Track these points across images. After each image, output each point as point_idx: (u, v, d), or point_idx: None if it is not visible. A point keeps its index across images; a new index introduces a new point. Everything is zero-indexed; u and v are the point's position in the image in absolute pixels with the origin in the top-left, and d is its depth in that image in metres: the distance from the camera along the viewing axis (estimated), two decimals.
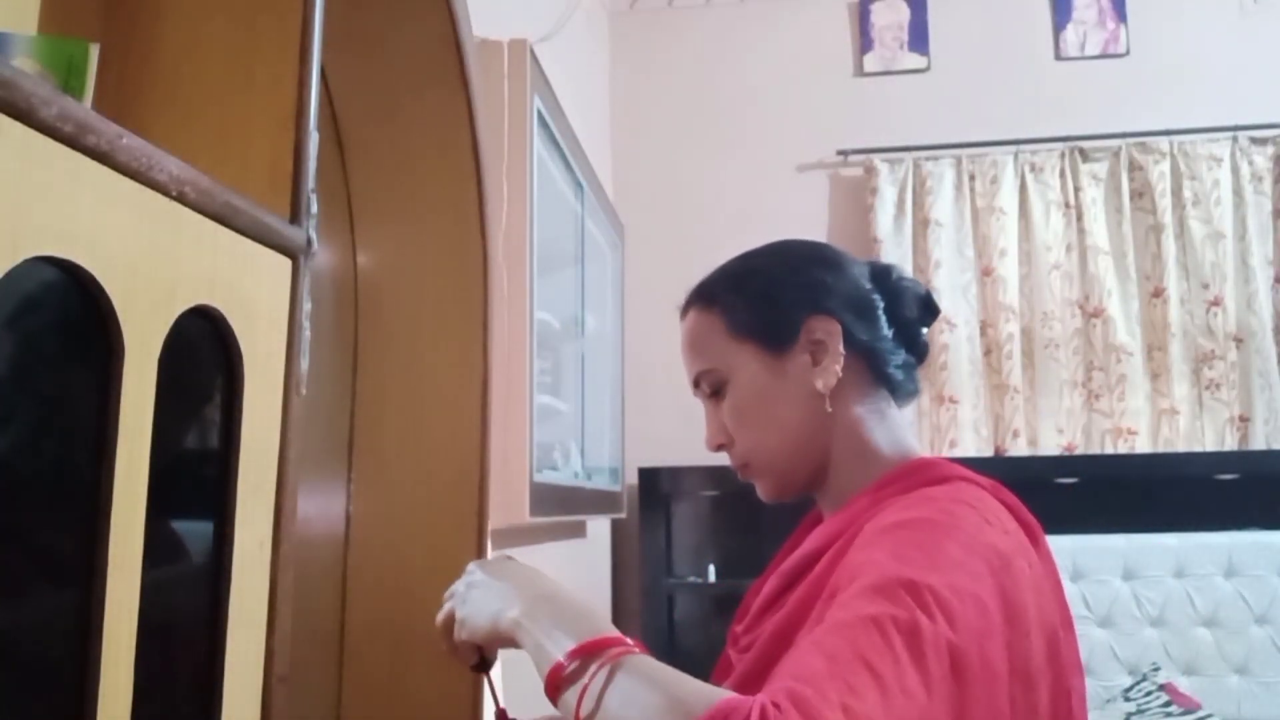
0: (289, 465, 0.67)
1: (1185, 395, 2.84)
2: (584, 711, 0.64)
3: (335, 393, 1.15)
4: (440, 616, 0.81)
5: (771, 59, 3.20)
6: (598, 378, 2.47)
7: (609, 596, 2.94)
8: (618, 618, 2.92)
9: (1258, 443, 2.78)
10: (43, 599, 0.48)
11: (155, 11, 0.73)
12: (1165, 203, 2.90)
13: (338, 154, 1.16)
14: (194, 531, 0.60)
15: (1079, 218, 2.94)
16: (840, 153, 3.08)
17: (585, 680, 0.65)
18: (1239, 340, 2.85)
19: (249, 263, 0.63)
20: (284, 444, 0.67)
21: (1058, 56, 3.09)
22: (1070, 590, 2.41)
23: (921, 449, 0.91)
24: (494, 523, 1.27)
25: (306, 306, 0.70)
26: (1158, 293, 2.88)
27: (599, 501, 2.41)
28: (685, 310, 0.94)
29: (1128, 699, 2.30)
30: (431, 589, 1.09)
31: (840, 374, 0.86)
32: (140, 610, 0.52)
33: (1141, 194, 2.94)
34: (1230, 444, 2.81)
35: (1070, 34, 3.08)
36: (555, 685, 0.66)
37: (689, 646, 2.81)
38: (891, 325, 0.90)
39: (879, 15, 3.17)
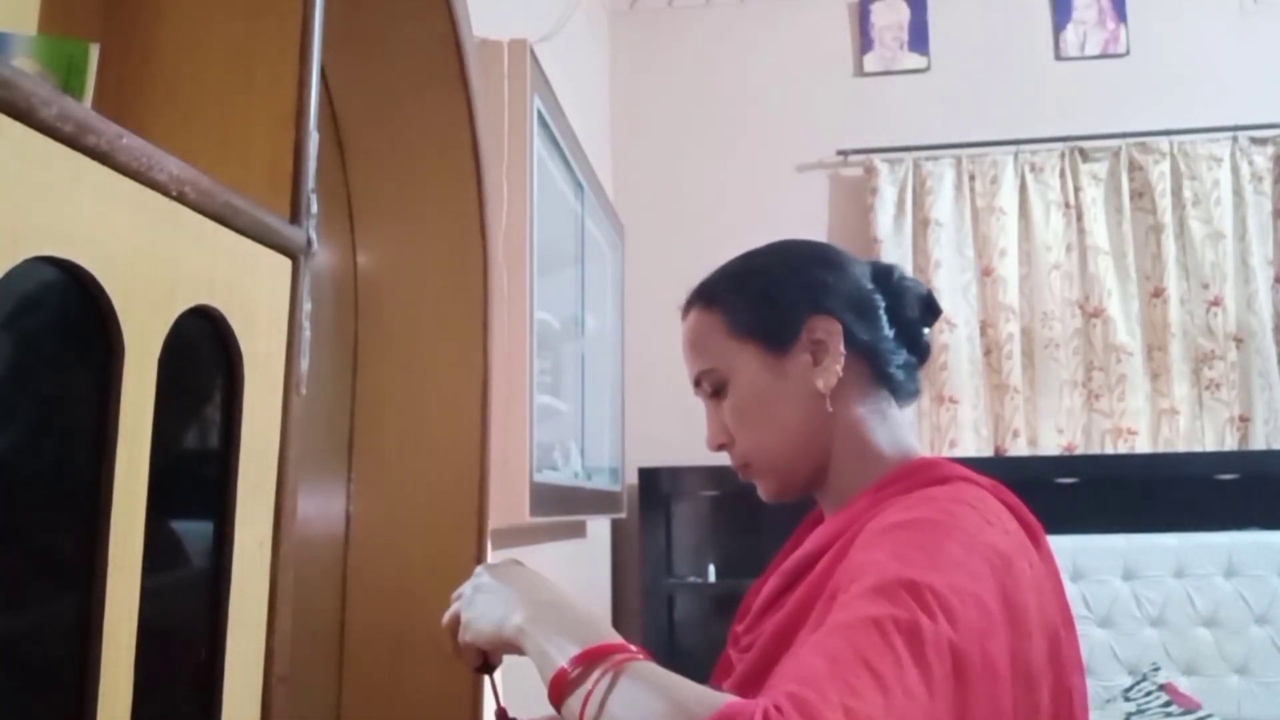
0: (289, 465, 0.67)
1: (1185, 395, 2.84)
2: (588, 717, 0.64)
3: (335, 393, 1.15)
4: (446, 618, 0.81)
5: (771, 59, 3.20)
6: (598, 378, 2.47)
7: (609, 596, 2.94)
8: (618, 618, 2.92)
9: (1258, 443, 2.78)
10: (43, 599, 0.48)
11: (155, 11, 0.73)
12: (1165, 203, 2.90)
13: (338, 154, 1.16)
14: (194, 532, 0.60)
15: (1079, 218, 2.94)
16: (840, 153, 3.08)
17: (589, 686, 0.65)
18: (1239, 340, 2.85)
19: (249, 263, 0.63)
20: (284, 444, 0.67)
21: (1058, 56, 3.09)
22: (1070, 590, 2.41)
23: (922, 449, 0.91)
24: (494, 523, 1.27)
25: (306, 306, 0.70)
26: (1158, 293, 2.88)
27: (599, 501, 2.41)
28: (686, 310, 0.94)
29: (1128, 699, 2.30)
30: (432, 589, 1.09)
31: (841, 374, 0.86)
32: (140, 610, 0.52)
33: (1141, 194, 2.94)
34: (1230, 444, 2.81)
35: (1070, 34, 3.08)
36: (559, 691, 0.67)
37: (689, 646, 2.81)
38: (893, 325, 0.90)
39: (879, 15, 3.17)
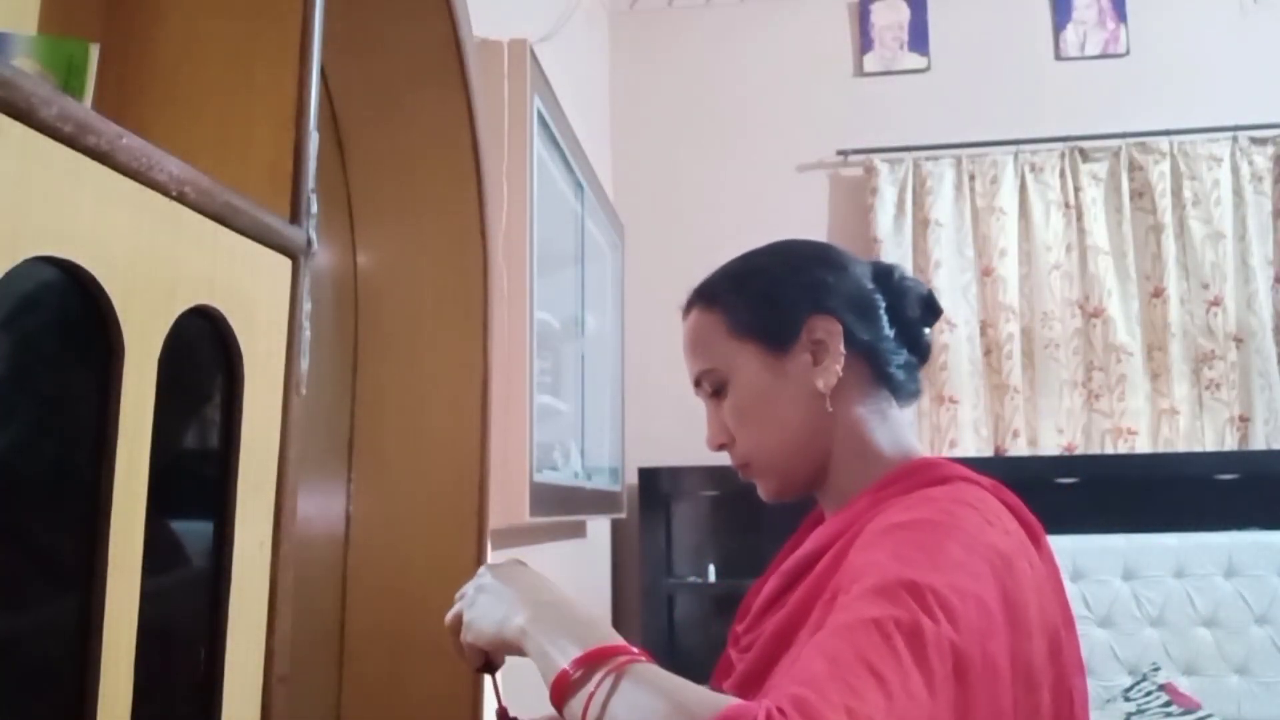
0: (289, 465, 0.67)
1: (1185, 395, 2.84)
2: (590, 719, 0.64)
3: (335, 393, 1.15)
4: (449, 617, 0.82)
5: (771, 59, 3.20)
6: (598, 378, 2.47)
7: (609, 596, 2.94)
8: (618, 618, 2.92)
9: (1258, 443, 2.78)
10: (43, 599, 0.48)
11: (155, 11, 0.73)
12: (1165, 203, 2.90)
13: (338, 154, 1.16)
14: (194, 532, 0.60)
15: (1079, 218, 2.94)
16: (840, 153, 3.08)
17: (591, 688, 0.65)
18: (1239, 340, 2.85)
19: (249, 263, 0.63)
20: (284, 444, 0.67)
21: (1058, 56, 3.09)
22: (1070, 590, 2.40)
23: (922, 449, 0.90)
24: (494, 523, 1.27)
25: (306, 306, 0.70)
26: (1158, 293, 2.88)
27: (599, 501, 2.41)
28: (687, 310, 0.94)
29: (1128, 699, 2.30)
30: (432, 589, 1.09)
31: (841, 374, 0.86)
32: (140, 611, 0.52)
33: (1141, 194, 2.94)
34: (1230, 444, 2.81)
35: (1070, 34, 3.08)
36: (561, 693, 0.67)
37: (689, 646, 2.81)
38: (893, 325, 0.90)
39: (879, 15, 3.17)
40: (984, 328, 2.94)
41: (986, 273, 2.95)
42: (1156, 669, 2.37)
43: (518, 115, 1.68)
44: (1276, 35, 2.98)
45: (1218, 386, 2.83)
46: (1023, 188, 2.98)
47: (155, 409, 0.53)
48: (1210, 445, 2.82)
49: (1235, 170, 2.90)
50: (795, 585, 0.82)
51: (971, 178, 2.99)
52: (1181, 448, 2.80)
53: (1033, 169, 2.98)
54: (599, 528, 2.78)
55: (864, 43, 3.17)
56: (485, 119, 1.19)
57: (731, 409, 0.89)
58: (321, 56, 0.71)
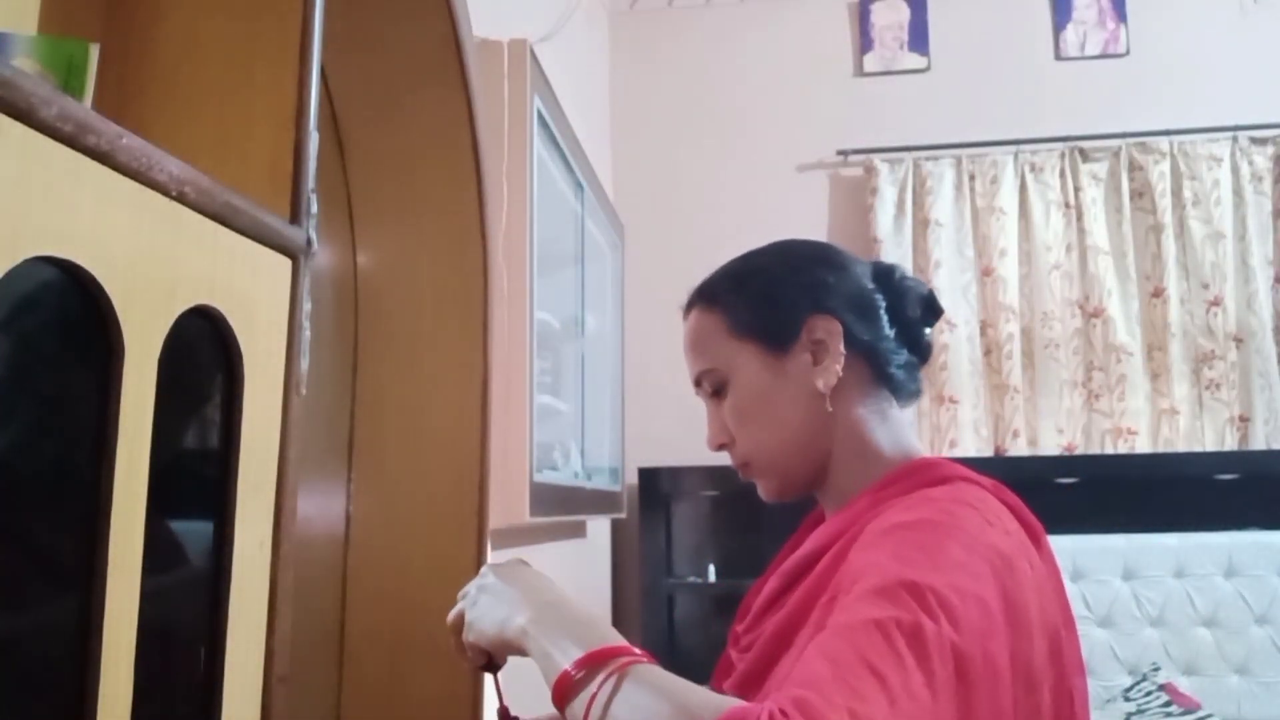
0: (289, 465, 0.67)
1: (1185, 395, 2.84)
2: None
3: (335, 393, 1.15)
4: (451, 616, 0.82)
5: (771, 59, 3.20)
6: (598, 378, 2.47)
7: (609, 596, 2.94)
8: (618, 618, 2.92)
9: (1258, 443, 2.78)
10: (43, 600, 0.48)
11: (155, 11, 0.73)
12: (1165, 203, 2.90)
13: (338, 154, 1.16)
14: (194, 532, 0.60)
15: (1079, 218, 2.94)
16: (840, 153, 3.08)
17: (593, 689, 0.65)
18: (1239, 340, 2.85)
19: (249, 263, 0.63)
20: (284, 444, 0.67)
21: (1058, 56, 3.09)
22: (1070, 590, 2.39)
23: (922, 449, 0.90)
24: (494, 523, 1.27)
25: (306, 306, 0.70)
26: (1158, 293, 2.88)
27: (599, 501, 2.41)
28: (687, 310, 0.94)
29: (1128, 699, 2.30)
30: (432, 589, 1.09)
31: (841, 374, 0.86)
32: (140, 611, 0.52)
33: (1141, 194, 2.94)
34: (1230, 444, 2.81)
35: (1070, 34, 3.08)
36: (563, 694, 0.67)
37: (689, 646, 2.81)
38: (894, 325, 0.90)
39: (879, 15, 3.17)
40: (984, 328, 2.94)
41: (986, 273, 2.95)
42: (1156, 669, 2.37)
43: (518, 115, 1.68)
44: (1276, 35, 2.98)
45: (1218, 386, 2.83)
46: (1023, 188, 2.98)
47: (155, 409, 0.53)
48: (1210, 445, 2.82)
49: (1235, 170, 2.90)
50: (795, 585, 0.82)
51: (971, 178, 2.99)
52: (1181, 448, 2.80)
53: (1033, 169, 2.98)
54: (599, 528, 2.78)
55: (864, 43, 3.17)
56: (485, 119, 1.19)
57: (732, 409, 0.89)
58: (321, 56, 0.71)
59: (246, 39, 0.70)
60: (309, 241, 0.69)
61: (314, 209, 0.70)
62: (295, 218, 0.68)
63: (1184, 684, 2.36)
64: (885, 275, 0.92)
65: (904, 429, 0.90)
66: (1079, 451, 2.86)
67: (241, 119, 0.69)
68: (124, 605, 0.51)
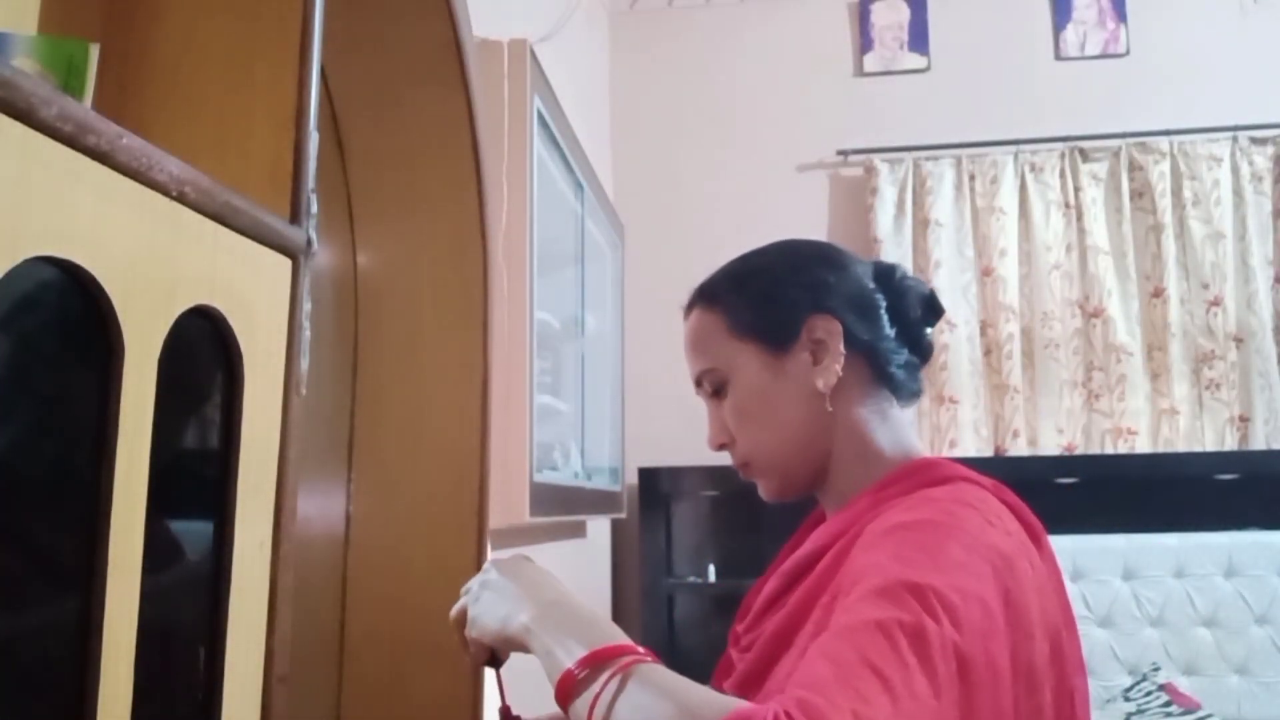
0: (289, 465, 0.67)
1: (1185, 395, 2.84)
2: (595, 719, 0.64)
3: (335, 393, 1.15)
4: (454, 611, 0.82)
5: (771, 59, 3.20)
6: (598, 378, 2.47)
7: (609, 596, 2.94)
8: (618, 618, 2.92)
9: (1258, 443, 2.78)
10: (43, 600, 0.48)
11: (155, 11, 0.73)
12: (1165, 203, 2.90)
13: (338, 154, 1.16)
14: (194, 532, 0.60)
15: (1079, 218, 2.94)
16: (840, 153, 3.08)
17: (597, 689, 0.65)
18: (1239, 340, 2.85)
19: (249, 263, 0.63)
20: (284, 444, 0.67)
21: (1058, 56, 3.09)
22: (1070, 590, 2.39)
23: (923, 449, 0.90)
24: (494, 523, 1.27)
25: (306, 306, 0.70)
26: (1158, 293, 2.88)
27: (599, 501, 2.41)
28: (688, 310, 0.94)
29: (1128, 699, 2.30)
30: (432, 590, 1.09)
31: (840, 373, 0.86)
32: (140, 611, 0.52)
33: (1141, 194, 2.94)
34: (1230, 444, 2.81)
35: (1070, 34, 3.08)
36: (566, 693, 0.67)
37: (689, 646, 2.81)
38: (894, 325, 0.90)
39: (879, 15, 3.17)
40: (984, 328, 2.94)
41: (986, 273, 2.95)
42: (1156, 669, 2.37)
43: (518, 115, 1.68)
44: (1276, 35, 2.98)
45: (1218, 386, 2.83)
46: (1023, 188, 2.98)
47: (155, 409, 0.53)
48: (1210, 445, 2.82)
49: (1235, 170, 2.90)
50: (796, 585, 0.82)
51: (971, 178, 2.99)
52: (1181, 448, 2.80)
53: (1033, 169, 2.98)
54: (599, 528, 2.78)
55: (864, 43, 3.17)
56: (485, 119, 1.19)
57: (732, 409, 0.89)
58: (321, 56, 0.71)
59: (246, 39, 0.70)
60: (309, 241, 0.69)
61: (314, 209, 0.70)
62: (295, 218, 0.68)
63: (1184, 684, 2.36)
64: (886, 275, 0.92)
65: (904, 429, 0.90)
66: (1079, 451, 2.86)
67: (241, 119, 0.69)
68: (124, 605, 0.51)
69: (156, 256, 0.53)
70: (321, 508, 1.12)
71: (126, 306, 0.50)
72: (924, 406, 2.89)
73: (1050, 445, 2.86)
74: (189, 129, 0.70)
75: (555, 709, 0.69)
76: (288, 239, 0.67)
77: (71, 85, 0.63)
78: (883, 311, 0.90)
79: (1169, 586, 2.47)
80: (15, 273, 0.43)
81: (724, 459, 0.93)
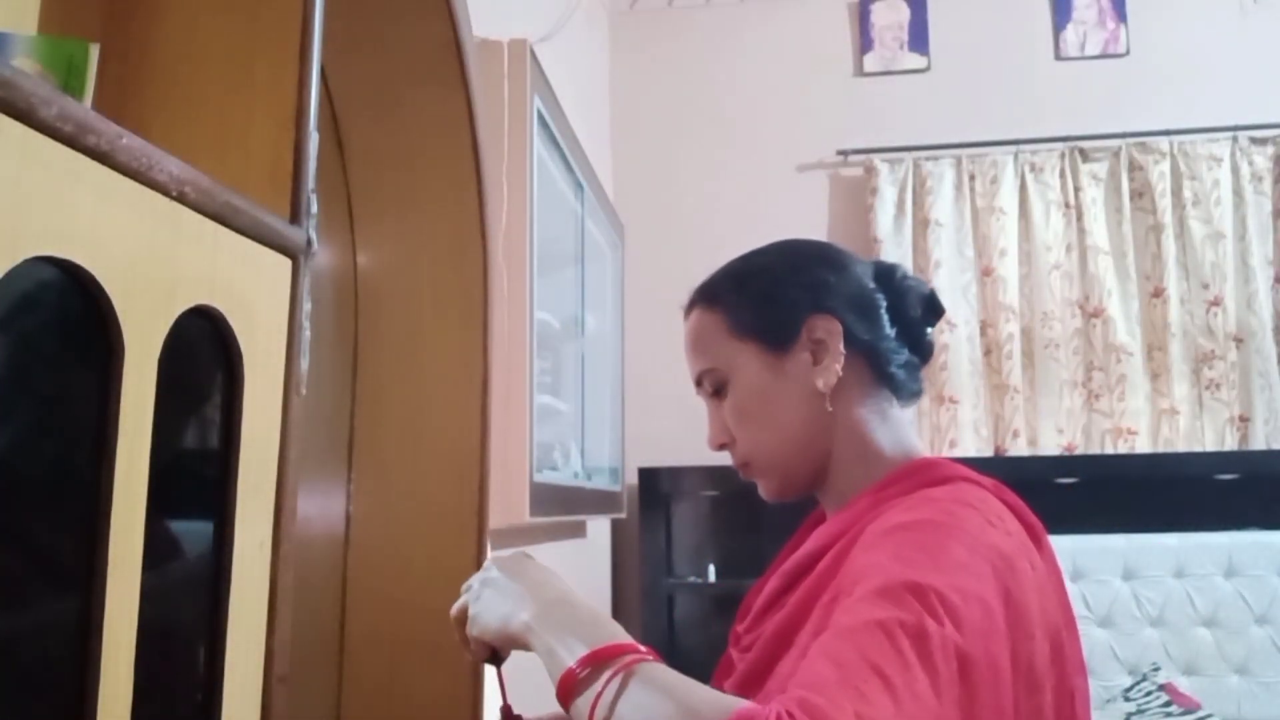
0: (289, 465, 0.67)
1: (1185, 395, 2.84)
2: (597, 719, 0.64)
3: (335, 393, 1.15)
4: (454, 609, 0.82)
5: (771, 59, 3.20)
6: (598, 378, 2.47)
7: (609, 596, 2.94)
8: (618, 618, 2.89)
9: (1258, 443, 2.78)
10: (43, 599, 0.48)
11: (155, 11, 0.73)
12: (1165, 203, 2.90)
13: (338, 154, 1.16)
14: (194, 532, 0.60)
15: (1079, 218, 2.94)
16: (840, 153, 3.08)
17: (598, 688, 0.65)
18: (1239, 340, 2.85)
19: (249, 263, 0.63)
20: (284, 444, 0.67)
21: (1058, 56, 3.09)
22: (1070, 590, 2.39)
23: (923, 449, 0.90)
24: (494, 522, 1.27)
25: (306, 306, 0.70)
26: (1158, 293, 2.88)
27: (599, 501, 2.41)
28: (688, 310, 0.94)
29: (1128, 699, 2.30)
30: (432, 590, 1.09)
31: (841, 373, 0.86)
32: (140, 610, 0.52)
33: (1141, 194, 2.94)
34: (1230, 444, 2.81)
35: (1070, 34, 3.08)
36: (568, 691, 0.66)
37: (689, 646, 2.81)
38: (895, 325, 0.90)
39: (879, 15, 3.17)
40: (984, 328, 2.94)
41: (986, 273, 2.95)
42: (1156, 669, 2.37)
43: (518, 115, 1.68)
44: (1276, 35, 2.98)
45: (1218, 386, 2.83)
46: (1023, 188, 2.98)
47: (155, 409, 0.53)
48: (1210, 445, 2.82)
49: (1235, 170, 2.90)
50: (796, 585, 0.82)
51: (971, 178, 2.99)
52: (1181, 448, 2.80)
53: (1033, 169, 2.98)
54: (599, 528, 2.78)
55: (864, 43, 3.17)
56: (485, 119, 1.19)
57: (732, 409, 0.89)
58: (321, 56, 0.71)
59: (246, 39, 0.70)
60: (309, 241, 0.69)
61: (314, 209, 0.70)
62: (295, 218, 0.68)
63: (1184, 684, 2.36)
64: (886, 275, 0.92)
65: (905, 429, 0.90)
66: (1079, 451, 2.86)
67: (241, 119, 0.69)
68: (124, 605, 0.51)
69: (156, 256, 0.53)
70: (321, 508, 1.12)
71: (126, 306, 0.50)
72: (924, 406, 2.89)
73: (1050, 445, 2.86)
74: (189, 129, 0.70)
75: (556, 708, 0.69)
76: (288, 239, 0.67)
77: (71, 85, 0.63)
78: (883, 311, 0.90)
79: (1169, 586, 2.47)
80: (15, 273, 0.43)
81: (724, 459, 0.93)
